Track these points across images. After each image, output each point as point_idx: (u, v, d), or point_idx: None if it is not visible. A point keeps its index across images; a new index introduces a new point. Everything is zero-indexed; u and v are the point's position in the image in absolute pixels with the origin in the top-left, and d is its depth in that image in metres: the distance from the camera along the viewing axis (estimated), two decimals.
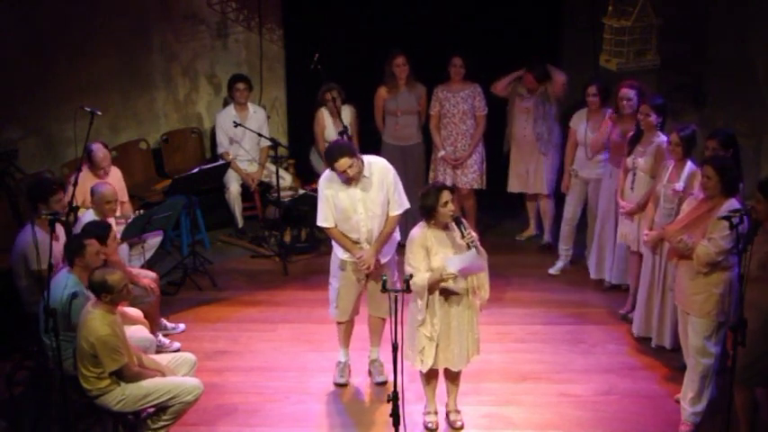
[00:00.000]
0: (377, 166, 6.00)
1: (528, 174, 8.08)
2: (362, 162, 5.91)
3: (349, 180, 5.87)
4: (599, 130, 7.26)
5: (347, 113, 8.16)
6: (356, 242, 6.01)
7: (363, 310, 6.34)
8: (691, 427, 5.67)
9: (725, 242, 5.26)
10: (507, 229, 8.74)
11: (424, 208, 5.48)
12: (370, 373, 6.41)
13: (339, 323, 6.32)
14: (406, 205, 6.15)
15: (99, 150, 6.99)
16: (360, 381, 6.37)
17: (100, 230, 5.93)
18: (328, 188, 5.96)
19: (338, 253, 6.11)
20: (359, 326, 6.40)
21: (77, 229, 6.23)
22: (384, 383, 6.28)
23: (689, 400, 5.65)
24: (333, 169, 5.87)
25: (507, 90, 8.02)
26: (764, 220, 5.11)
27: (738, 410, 5.33)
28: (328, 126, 8.18)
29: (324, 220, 6.02)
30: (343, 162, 5.79)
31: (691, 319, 5.58)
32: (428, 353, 5.57)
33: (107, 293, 5.21)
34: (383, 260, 6.06)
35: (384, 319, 6.22)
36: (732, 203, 5.27)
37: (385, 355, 6.15)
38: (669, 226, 5.80)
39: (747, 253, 4.93)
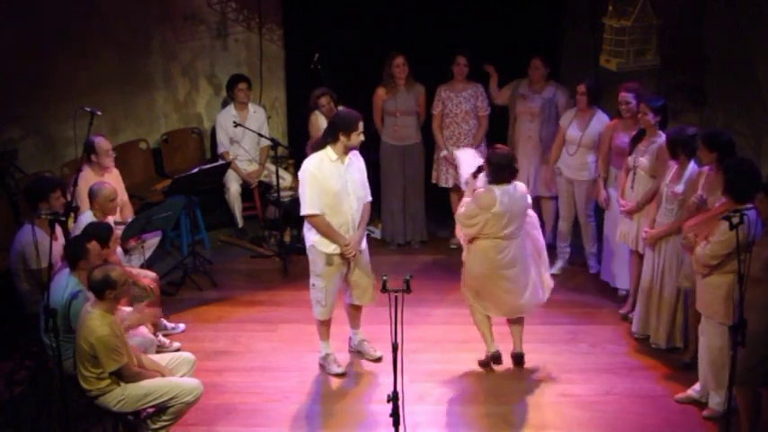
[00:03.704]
0: (354, 151, 6.13)
1: (530, 176, 8.07)
2: None
3: (357, 147, 6.02)
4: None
5: None
6: (340, 228, 6.06)
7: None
8: (713, 412, 5.75)
9: (719, 246, 5.28)
10: None
11: (510, 168, 6.01)
12: (358, 353, 6.53)
13: (324, 321, 6.35)
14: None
15: (102, 142, 6.97)
16: (359, 381, 6.37)
17: (102, 232, 5.94)
18: (319, 171, 5.94)
19: (321, 248, 6.07)
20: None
21: (77, 229, 6.23)
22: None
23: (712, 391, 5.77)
24: (350, 135, 5.92)
25: (506, 95, 8.01)
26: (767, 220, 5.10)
27: (741, 411, 5.34)
28: (323, 128, 8.16)
29: (312, 206, 5.95)
30: (361, 125, 5.98)
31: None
32: None
33: (111, 289, 5.19)
34: (362, 247, 6.20)
35: (361, 307, 6.42)
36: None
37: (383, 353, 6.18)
38: (688, 221, 5.81)
39: (748, 255, 4.90)
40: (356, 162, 6.12)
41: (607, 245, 7.44)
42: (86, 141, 6.85)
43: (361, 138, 6.03)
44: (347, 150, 6.00)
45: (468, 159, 6.68)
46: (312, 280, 6.24)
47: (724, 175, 5.36)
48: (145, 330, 6.08)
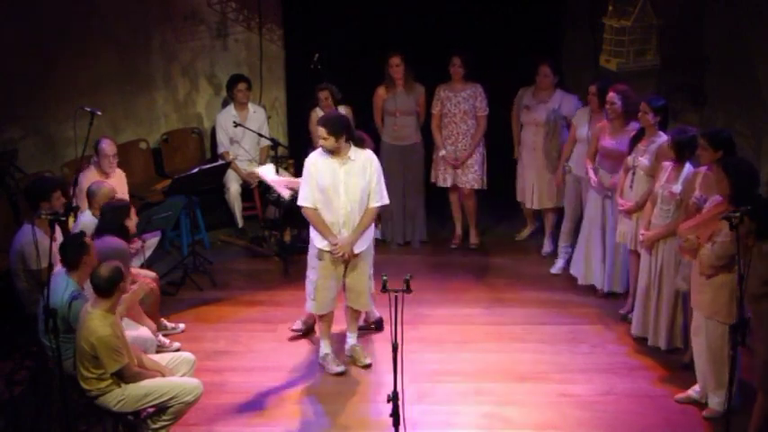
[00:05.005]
0: (363, 154, 6.11)
1: (534, 186, 8.03)
2: (348, 144, 6.04)
3: (326, 151, 6.00)
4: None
5: (343, 113, 8.16)
6: (333, 227, 6.08)
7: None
8: (713, 412, 5.75)
9: (726, 247, 5.26)
10: (508, 229, 8.75)
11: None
12: (352, 358, 6.50)
13: (320, 317, 6.37)
14: (386, 201, 6.24)
15: (107, 146, 7.12)
16: (359, 381, 6.37)
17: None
18: (313, 165, 6.05)
19: (315, 242, 6.16)
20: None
21: (76, 229, 6.23)
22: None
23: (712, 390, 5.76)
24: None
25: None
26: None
27: (756, 409, 5.34)
28: None
29: (304, 199, 6.10)
30: (320, 131, 6.00)
31: (702, 317, 5.65)
32: None
33: (122, 280, 5.23)
34: (357, 250, 6.14)
35: (359, 311, 6.44)
36: None
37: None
38: (683, 224, 5.80)
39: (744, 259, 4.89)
40: (362, 164, 6.06)
41: (580, 241, 7.46)
42: (96, 141, 6.99)
43: (322, 142, 5.99)
44: (338, 150, 6.01)
45: (272, 175, 7.26)
46: (307, 272, 6.32)
47: (727, 174, 5.33)
48: (145, 330, 6.09)
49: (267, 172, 7.51)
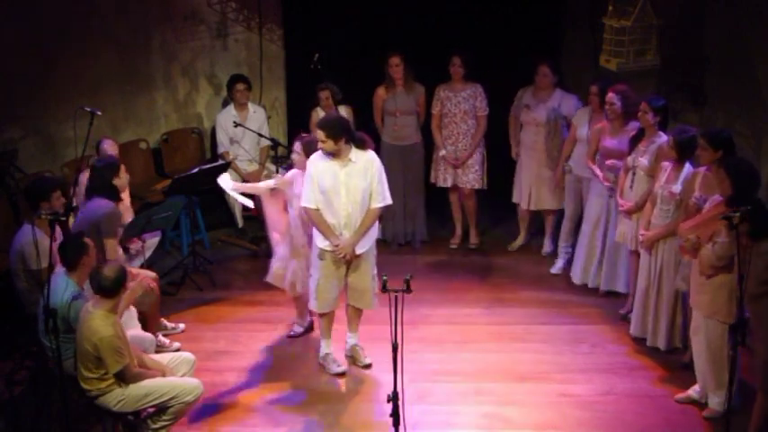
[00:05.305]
0: (364, 155, 6.11)
1: (532, 187, 8.02)
2: (349, 146, 6.03)
3: (327, 153, 6.01)
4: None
5: (343, 113, 8.16)
6: (335, 229, 6.09)
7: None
8: (713, 412, 5.75)
9: (726, 247, 5.26)
10: (508, 229, 8.74)
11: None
12: (352, 358, 6.50)
13: (321, 315, 6.38)
14: (388, 201, 6.23)
15: (108, 147, 7.14)
16: (359, 381, 6.37)
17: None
18: (315, 167, 6.07)
19: (317, 242, 6.17)
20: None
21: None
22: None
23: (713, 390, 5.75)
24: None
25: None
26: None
27: (756, 409, 5.35)
28: None
29: (307, 200, 6.10)
30: (318, 133, 6.01)
31: (701, 317, 5.65)
32: None
33: (126, 279, 5.26)
34: (359, 251, 6.13)
35: (361, 310, 6.42)
36: None
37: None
38: (684, 224, 5.80)
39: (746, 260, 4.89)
40: (363, 166, 6.07)
41: (580, 240, 7.48)
42: (97, 141, 7.07)
43: (321, 145, 6.01)
44: (338, 152, 6.01)
45: (227, 181, 7.15)
46: (310, 270, 6.32)
47: (729, 175, 5.32)
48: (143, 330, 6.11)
49: (224, 182, 7.10)
